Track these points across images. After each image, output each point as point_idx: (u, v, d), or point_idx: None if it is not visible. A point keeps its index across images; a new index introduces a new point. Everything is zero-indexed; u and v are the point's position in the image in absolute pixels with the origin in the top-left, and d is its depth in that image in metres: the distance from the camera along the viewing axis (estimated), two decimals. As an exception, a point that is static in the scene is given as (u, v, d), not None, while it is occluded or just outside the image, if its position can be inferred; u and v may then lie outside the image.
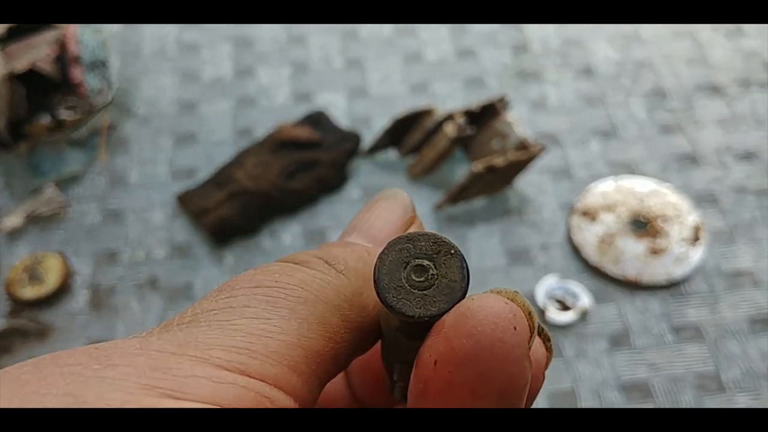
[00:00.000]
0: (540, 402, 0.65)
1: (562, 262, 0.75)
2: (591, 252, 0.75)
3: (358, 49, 0.96)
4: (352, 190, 0.82)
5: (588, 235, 0.76)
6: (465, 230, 0.78)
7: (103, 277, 0.75)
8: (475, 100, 0.85)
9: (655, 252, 0.75)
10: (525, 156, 0.76)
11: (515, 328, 0.14)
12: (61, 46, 0.86)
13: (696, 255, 0.74)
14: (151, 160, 0.85)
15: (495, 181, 0.78)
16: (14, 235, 0.78)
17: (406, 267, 0.16)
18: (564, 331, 0.70)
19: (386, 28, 0.98)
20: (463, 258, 0.16)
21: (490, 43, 0.96)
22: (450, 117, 0.80)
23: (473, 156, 0.81)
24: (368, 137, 0.85)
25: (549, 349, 0.17)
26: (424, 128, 0.81)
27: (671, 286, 0.73)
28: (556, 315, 0.70)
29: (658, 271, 0.73)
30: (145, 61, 0.96)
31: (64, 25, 0.88)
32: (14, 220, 0.78)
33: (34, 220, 0.79)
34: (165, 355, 0.13)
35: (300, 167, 0.81)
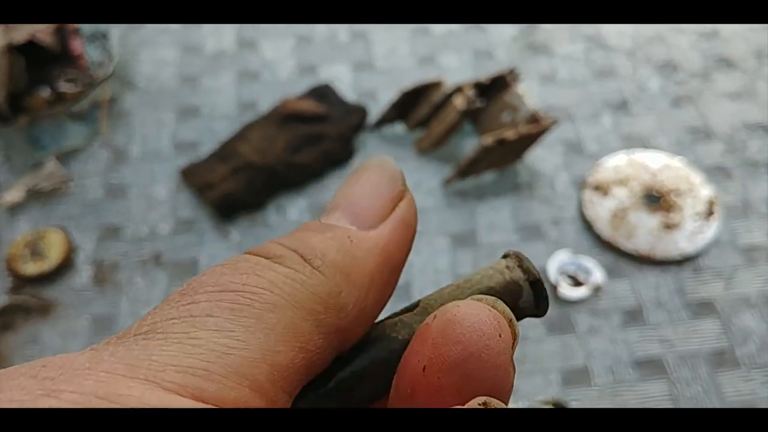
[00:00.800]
0: (552, 378, 0.64)
1: (574, 237, 0.74)
2: (603, 227, 0.73)
3: (363, 21, 0.94)
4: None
5: (600, 210, 0.75)
6: (474, 205, 0.76)
7: (106, 253, 0.74)
8: (484, 72, 0.83)
9: (668, 227, 0.73)
10: (536, 129, 0.75)
11: (500, 336, 0.15)
12: (60, 17, 0.84)
13: (710, 230, 0.73)
14: (153, 134, 0.83)
15: (505, 155, 0.76)
16: (15, 209, 0.77)
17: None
18: (576, 307, 0.69)
19: None
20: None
21: (499, 15, 0.94)
22: (459, 90, 0.79)
23: (482, 129, 0.79)
24: (375, 111, 0.83)
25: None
26: (432, 101, 0.79)
27: (685, 261, 0.72)
28: (568, 291, 0.69)
29: (672, 246, 0.72)
30: (146, 33, 0.94)
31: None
32: (15, 194, 0.76)
33: (35, 195, 0.77)
34: (115, 378, 0.13)
35: (306, 141, 0.79)
